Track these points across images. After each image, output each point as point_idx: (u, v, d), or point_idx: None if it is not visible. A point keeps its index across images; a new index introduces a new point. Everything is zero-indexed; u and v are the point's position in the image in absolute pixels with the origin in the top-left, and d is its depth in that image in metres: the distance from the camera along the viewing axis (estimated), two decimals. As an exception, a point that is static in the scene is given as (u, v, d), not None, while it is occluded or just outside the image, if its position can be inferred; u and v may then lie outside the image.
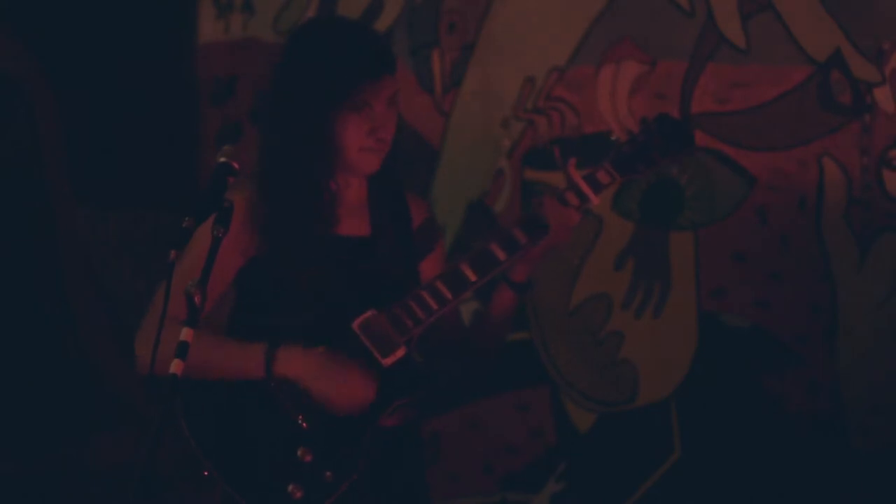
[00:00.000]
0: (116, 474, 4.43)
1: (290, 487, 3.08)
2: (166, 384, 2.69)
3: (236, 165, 2.90)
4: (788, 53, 4.17)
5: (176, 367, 2.69)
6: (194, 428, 3.12)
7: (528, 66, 4.56)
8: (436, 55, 4.72)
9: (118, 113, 5.07)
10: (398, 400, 3.17)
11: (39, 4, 5.10)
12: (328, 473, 3.10)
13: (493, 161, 4.62)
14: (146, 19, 5.05)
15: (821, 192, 4.16)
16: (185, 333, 2.72)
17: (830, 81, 4.11)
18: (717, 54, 4.27)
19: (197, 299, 2.74)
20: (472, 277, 3.21)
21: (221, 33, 5.19)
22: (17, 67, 5.14)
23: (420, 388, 3.21)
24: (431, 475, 4.68)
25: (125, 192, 5.12)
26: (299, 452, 3.10)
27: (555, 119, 4.52)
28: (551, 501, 4.54)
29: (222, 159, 2.91)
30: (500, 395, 4.63)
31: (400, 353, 3.16)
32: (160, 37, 5.14)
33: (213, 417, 3.15)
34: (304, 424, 3.12)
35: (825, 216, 4.16)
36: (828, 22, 4.11)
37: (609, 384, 4.47)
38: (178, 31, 5.21)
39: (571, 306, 4.51)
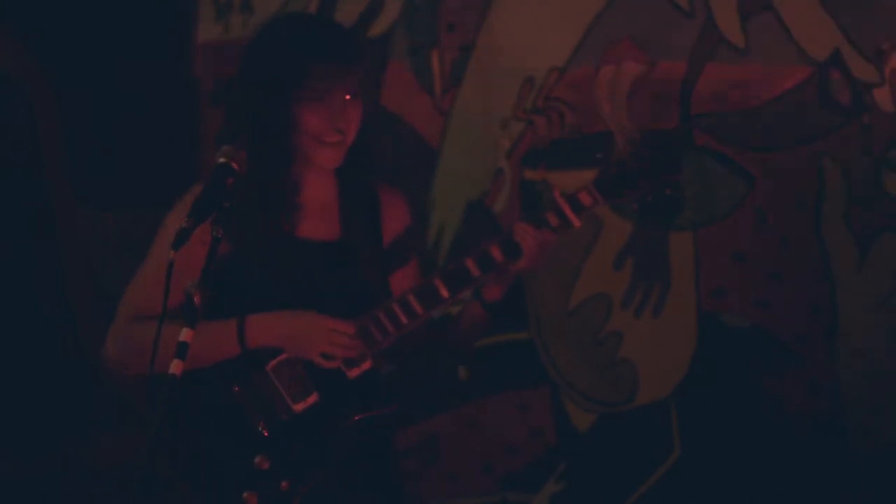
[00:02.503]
0: (116, 474, 4.43)
1: (246, 494, 3.04)
2: (166, 384, 2.68)
3: (236, 166, 2.90)
4: (788, 53, 4.17)
5: (176, 367, 2.67)
6: (163, 432, 3.08)
7: (527, 66, 4.56)
8: (435, 55, 4.71)
9: (118, 113, 5.07)
10: (362, 413, 3.12)
11: (39, 4, 5.10)
12: (284, 483, 3.06)
13: (493, 161, 4.62)
14: (146, 19, 5.05)
15: (821, 192, 4.16)
16: (185, 334, 2.70)
17: (830, 81, 4.11)
18: (716, 54, 4.28)
19: (197, 299, 2.73)
20: (445, 293, 3.13)
21: (221, 33, 5.18)
22: (17, 67, 5.14)
23: (385, 403, 3.16)
24: (431, 475, 4.70)
25: (125, 192, 5.12)
26: (257, 460, 3.07)
27: (554, 119, 4.52)
28: (551, 501, 4.54)
29: (222, 159, 2.90)
30: (500, 395, 4.63)
31: (366, 365, 3.12)
32: (160, 37, 5.14)
33: (177, 420, 3.02)
34: (265, 432, 3.08)
35: (825, 216, 4.16)
36: (828, 22, 4.11)
37: (609, 384, 4.47)
38: (178, 31, 5.20)
39: (571, 306, 4.51)
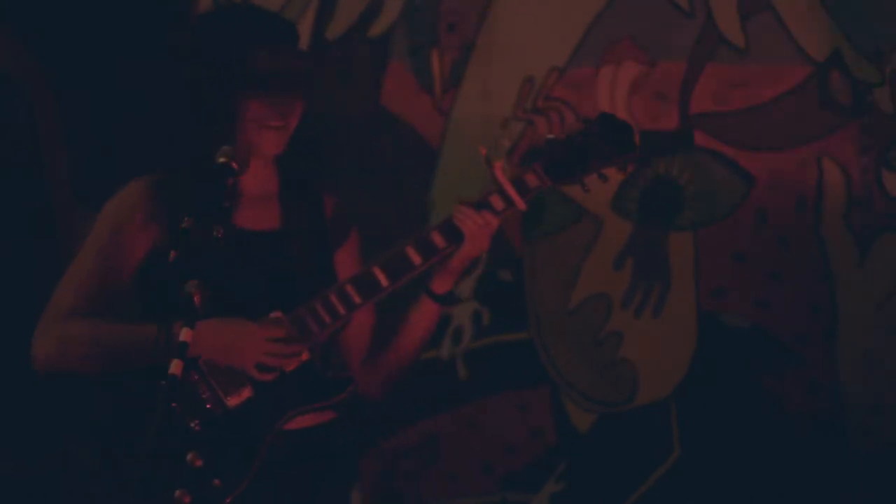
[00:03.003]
0: (116, 474, 4.43)
1: (178, 493, 2.93)
2: (166, 384, 2.67)
3: (235, 166, 2.89)
4: (788, 53, 4.17)
5: (175, 367, 2.67)
6: (90, 430, 3.04)
7: (527, 66, 4.56)
8: (435, 55, 4.71)
9: (118, 113, 5.07)
10: (295, 408, 3.03)
11: (39, 4, 5.10)
12: (216, 481, 2.96)
13: (493, 161, 4.61)
14: (146, 19, 5.05)
15: (820, 193, 4.16)
16: (185, 334, 2.69)
17: (830, 81, 4.11)
18: (716, 54, 4.28)
19: (196, 299, 2.72)
20: (384, 282, 3.03)
21: (221, 33, 5.18)
22: (17, 67, 5.14)
23: (324, 398, 3.05)
24: (431, 475, 4.70)
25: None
26: (189, 457, 2.95)
27: (554, 119, 4.52)
28: (551, 501, 4.53)
29: (221, 159, 2.90)
30: (500, 395, 4.63)
31: (303, 357, 3.03)
32: (160, 37, 5.14)
33: (108, 416, 3.03)
34: (197, 428, 2.97)
35: (825, 216, 4.16)
36: (827, 22, 4.11)
37: (609, 384, 4.47)
38: (178, 31, 5.20)
39: (571, 306, 4.51)
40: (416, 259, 3.05)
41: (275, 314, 3.02)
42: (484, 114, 4.64)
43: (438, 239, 3.06)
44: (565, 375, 4.54)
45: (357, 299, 3.03)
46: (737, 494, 4.26)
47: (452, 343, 4.66)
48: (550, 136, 3.13)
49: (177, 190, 3.09)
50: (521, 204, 3.08)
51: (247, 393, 3.02)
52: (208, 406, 3.00)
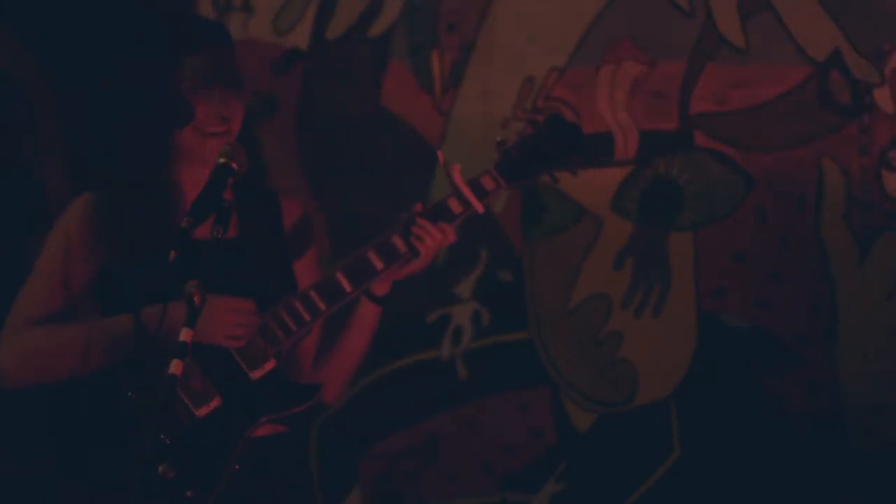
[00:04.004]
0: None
1: None
2: (167, 384, 2.67)
3: (235, 166, 2.89)
4: (788, 54, 4.17)
5: (175, 367, 2.66)
6: (57, 440, 3.01)
7: (527, 66, 4.56)
8: (435, 55, 4.71)
9: (118, 113, 5.06)
10: (265, 415, 3.01)
11: (39, 4, 5.09)
12: (189, 492, 2.94)
13: (493, 161, 4.61)
14: (146, 19, 5.05)
15: (820, 192, 4.16)
16: (185, 334, 2.68)
17: (830, 81, 4.11)
18: (716, 54, 4.28)
19: (196, 299, 2.72)
20: (348, 288, 3.03)
21: (221, 33, 5.18)
22: (17, 67, 5.14)
23: (290, 404, 3.04)
24: (431, 475, 4.70)
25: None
26: (161, 469, 2.92)
27: (554, 119, 4.51)
28: (551, 501, 4.54)
29: (221, 160, 2.89)
30: (500, 395, 4.63)
31: (269, 365, 3.02)
32: (160, 37, 5.13)
33: (75, 430, 3.00)
34: (167, 441, 2.93)
35: (825, 216, 4.16)
36: (827, 22, 4.11)
37: (609, 384, 4.47)
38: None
39: (571, 306, 4.51)
40: (378, 264, 3.06)
41: None
42: (484, 114, 4.64)
43: (400, 243, 3.07)
44: (565, 375, 4.54)
45: (322, 306, 3.04)
46: (737, 494, 4.26)
47: (452, 343, 4.66)
48: (500, 139, 3.19)
49: (118, 204, 3.10)
50: (478, 206, 3.12)
51: (216, 403, 3.01)
52: (178, 417, 2.98)
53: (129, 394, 2.96)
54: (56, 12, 5.08)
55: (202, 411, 2.99)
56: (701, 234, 4.34)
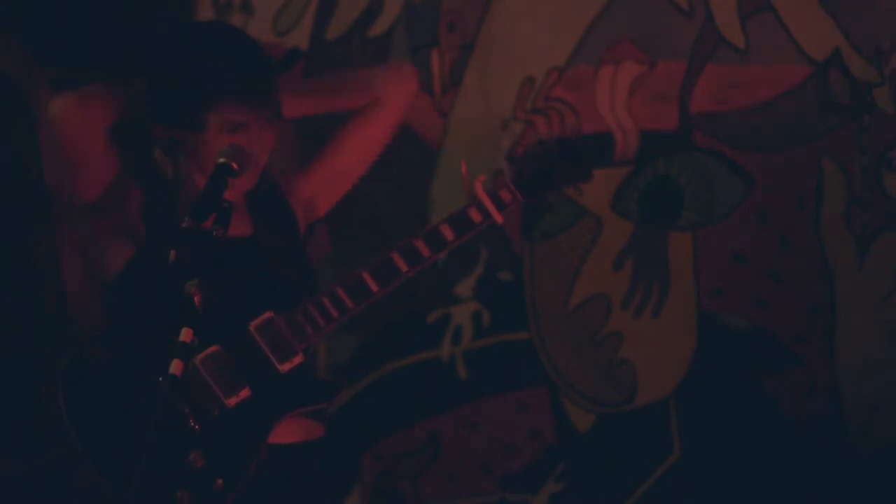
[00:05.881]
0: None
1: (179, 493, 2.89)
2: (168, 384, 2.67)
3: (235, 166, 2.90)
4: (788, 54, 4.17)
5: (175, 367, 2.67)
6: (79, 426, 3.04)
7: (527, 66, 4.56)
8: (435, 55, 4.71)
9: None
10: (294, 409, 3.08)
11: (39, 4, 5.10)
12: (220, 480, 2.98)
13: (493, 161, 4.62)
14: (145, 20, 5.05)
15: (820, 193, 4.16)
16: (185, 334, 2.70)
17: (830, 81, 4.11)
18: (716, 54, 4.28)
19: (196, 299, 2.72)
20: (374, 287, 3.15)
21: (221, 33, 5.17)
22: (17, 67, 5.14)
23: (318, 399, 3.13)
24: (431, 475, 4.70)
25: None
26: (191, 457, 2.96)
27: (554, 119, 4.52)
28: (550, 501, 4.54)
29: (222, 159, 2.90)
30: (500, 395, 4.63)
31: (297, 359, 3.08)
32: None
33: (99, 415, 3.04)
34: (196, 427, 2.98)
35: (825, 216, 4.16)
36: (827, 22, 4.11)
37: (608, 384, 4.47)
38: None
39: (571, 306, 4.51)
40: (403, 266, 3.19)
41: (267, 315, 3.07)
42: (484, 114, 4.64)
43: (423, 247, 3.20)
44: (565, 375, 4.54)
45: (350, 303, 3.13)
46: (736, 494, 4.26)
47: (452, 343, 4.66)
48: (508, 155, 3.62)
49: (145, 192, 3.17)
50: (498, 218, 3.28)
51: (245, 393, 3.04)
52: (208, 406, 3.02)
53: (160, 381, 2.95)
54: (56, 12, 5.08)
55: (232, 401, 3.03)
56: (701, 234, 4.34)
